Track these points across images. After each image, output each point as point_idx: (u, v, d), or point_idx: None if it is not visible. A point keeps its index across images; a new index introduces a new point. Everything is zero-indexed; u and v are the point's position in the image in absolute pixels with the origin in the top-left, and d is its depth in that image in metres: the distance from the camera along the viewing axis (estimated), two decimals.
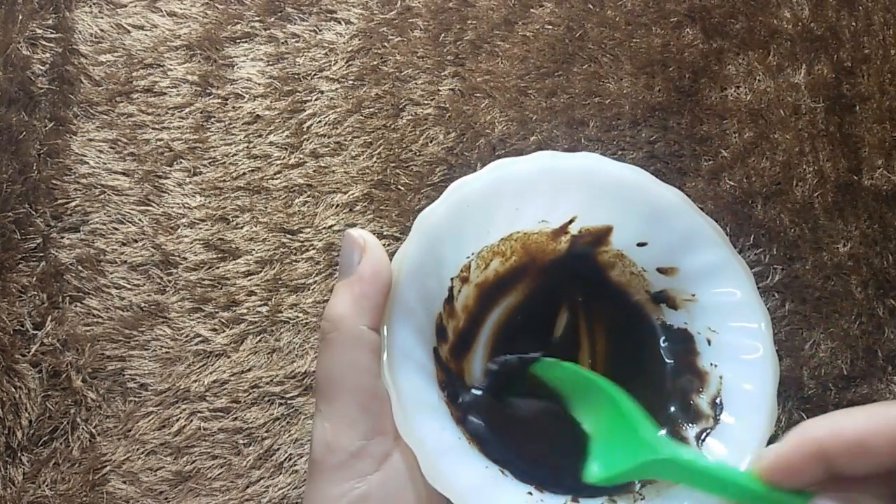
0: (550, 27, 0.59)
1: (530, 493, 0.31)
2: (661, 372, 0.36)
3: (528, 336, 0.37)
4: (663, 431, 0.34)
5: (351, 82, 0.59)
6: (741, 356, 0.33)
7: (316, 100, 0.58)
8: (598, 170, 0.34)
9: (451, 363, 0.34)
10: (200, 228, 0.56)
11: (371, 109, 0.58)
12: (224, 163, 0.57)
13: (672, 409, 0.35)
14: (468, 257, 0.34)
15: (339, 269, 0.31)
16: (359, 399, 0.29)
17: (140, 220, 0.57)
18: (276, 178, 0.57)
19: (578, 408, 0.35)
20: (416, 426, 0.29)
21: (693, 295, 0.35)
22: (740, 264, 0.34)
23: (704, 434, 0.33)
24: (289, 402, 0.54)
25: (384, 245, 0.56)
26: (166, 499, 0.53)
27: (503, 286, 0.36)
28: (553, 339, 0.37)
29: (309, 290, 0.55)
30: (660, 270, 0.35)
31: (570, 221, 0.35)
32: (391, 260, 0.31)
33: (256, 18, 0.60)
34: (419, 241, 0.32)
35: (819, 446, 0.25)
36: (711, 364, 0.34)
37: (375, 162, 0.57)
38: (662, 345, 0.36)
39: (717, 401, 0.34)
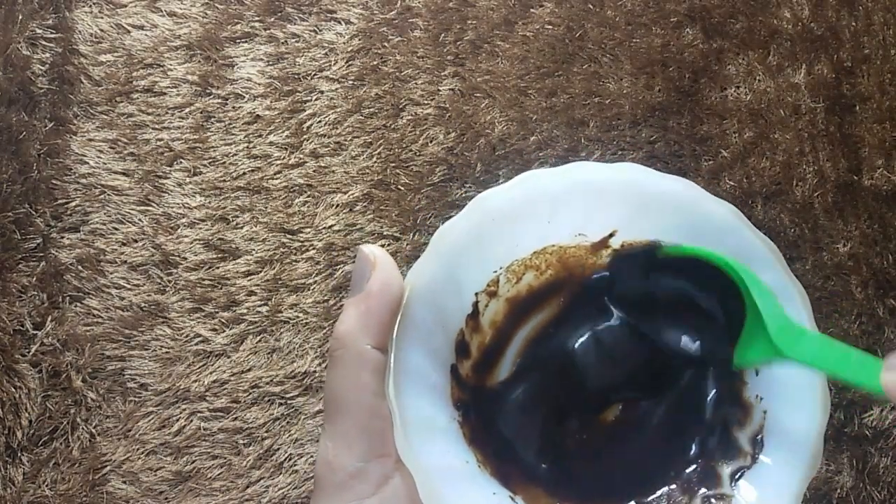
0: (550, 27, 0.59)
1: None
2: (704, 399, 0.34)
3: (560, 352, 0.35)
4: (695, 466, 0.33)
5: (351, 82, 0.59)
6: (789, 392, 0.31)
7: (316, 100, 0.58)
8: (641, 182, 0.32)
9: (472, 380, 0.33)
10: (200, 228, 0.56)
11: (371, 109, 0.58)
12: (224, 163, 0.57)
13: (710, 441, 0.33)
14: (496, 271, 0.33)
15: (350, 285, 0.31)
16: (359, 419, 0.29)
17: (140, 220, 0.57)
18: (276, 178, 0.57)
19: (639, 418, 0.34)
20: (418, 448, 0.28)
21: None
22: (796, 289, 0.32)
23: (740, 473, 0.32)
24: (289, 402, 0.54)
25: (383, 245, 0.56)
26: (166, 499, 0.53)
27: (537, 301, 0.35)
28: (588, 358, 0.35)
29: (309, 290, 0.55)
30: None
31: (611, 235, 0.33)
32: (406, 277, 0.30)
33: (256, 18, 0.60)
34: (435, 258, 0.31)
35: None
36: (757, 397, 0.32)
37: (375, 162, 0.57)
38: (709, 370, 0.34)
39: (759, 438, 0.32)
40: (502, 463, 0.32)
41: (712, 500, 0.32)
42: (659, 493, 0.33)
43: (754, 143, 0.57)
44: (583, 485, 0.33)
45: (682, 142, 0.57)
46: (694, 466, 0.33)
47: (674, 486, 0.33)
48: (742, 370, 0.33)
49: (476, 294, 0.33)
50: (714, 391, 0.34)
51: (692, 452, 0.33)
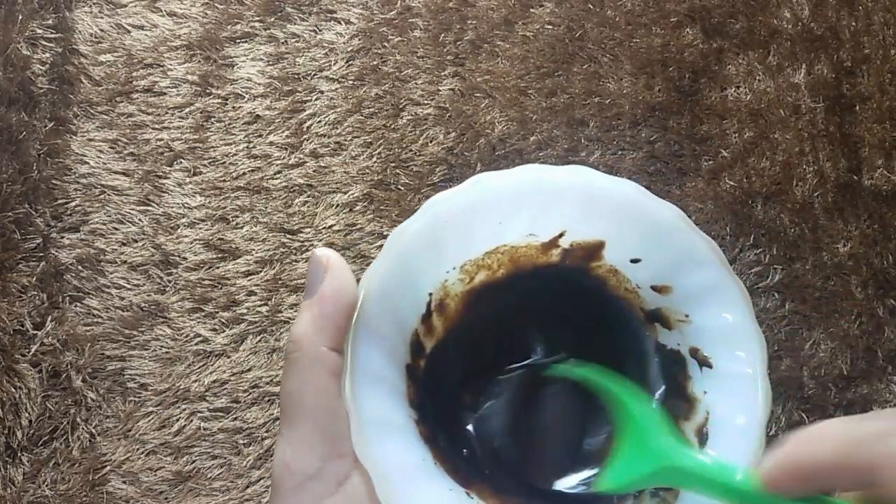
0: (550, 27, 0.59)
1: None
2: (651, 395, 0.35)
3: (512, 351, 0.36)
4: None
5: (351, 82, 0.59)
6: (731, 385, 0.32)
7: (316, 100, 0.58)
8: (588, 183, 0.33)
9: (427, 378, 0.34)
10: (200, 228, 0.56)
11: (371, 109, 0.58)
12: (224, 163, 0.57)
13: None
14: (448, 272, 0.33)
15: (305, 288, 0.31)
16: (317, 421, 0.29)
17: (140, 220, 0.57)
18: (276, 178, 0.57)
19: (589, 415, 0.35)
20: (374, 447, 0.29)
21: (687, 316, 0.34)
22: (737, 286, 0.33)
23: None
24: None
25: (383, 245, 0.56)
26: (166, 499, 0.53)
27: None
28: (540, 354, 0.37)
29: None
30: (654, 289, 0.34)
31: (560, 235, 0.34)
32: (361, 278, 0.31)
33: (256, 18, 0.60)
34: (389, 260, 0.31)
35: (800, 471, 0.24)
36: (703, 392, 0.33)
37: (375, 162, 0.57)
38: (654, 366, 0.35)
39: (704, 431, 0.33)
40: (457, 460, 0.33)
41: (660, 493, 0.32)
42: None
43: (754, 143, 0.57)
44: (531, 480, 0.34)
45: (682, 142, 0.57)
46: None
47: None
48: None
49: (430, 294, 0.33)
50: (661, 387, 0.35)
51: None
